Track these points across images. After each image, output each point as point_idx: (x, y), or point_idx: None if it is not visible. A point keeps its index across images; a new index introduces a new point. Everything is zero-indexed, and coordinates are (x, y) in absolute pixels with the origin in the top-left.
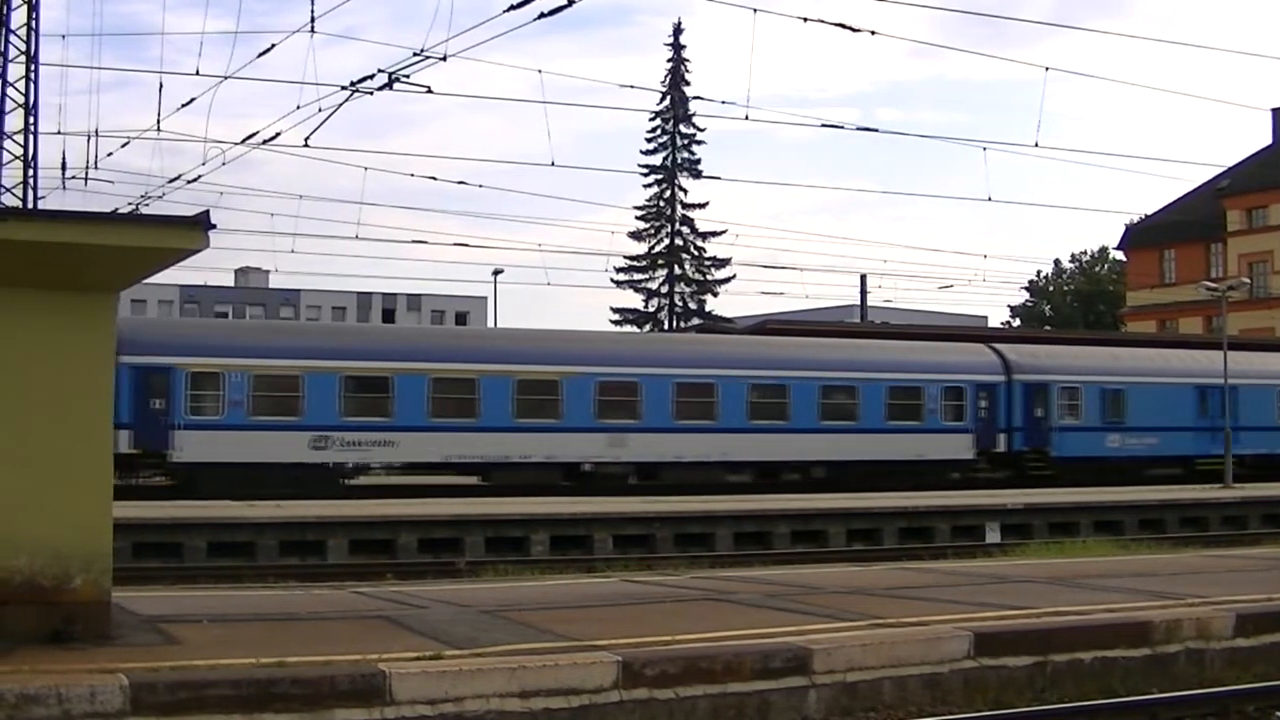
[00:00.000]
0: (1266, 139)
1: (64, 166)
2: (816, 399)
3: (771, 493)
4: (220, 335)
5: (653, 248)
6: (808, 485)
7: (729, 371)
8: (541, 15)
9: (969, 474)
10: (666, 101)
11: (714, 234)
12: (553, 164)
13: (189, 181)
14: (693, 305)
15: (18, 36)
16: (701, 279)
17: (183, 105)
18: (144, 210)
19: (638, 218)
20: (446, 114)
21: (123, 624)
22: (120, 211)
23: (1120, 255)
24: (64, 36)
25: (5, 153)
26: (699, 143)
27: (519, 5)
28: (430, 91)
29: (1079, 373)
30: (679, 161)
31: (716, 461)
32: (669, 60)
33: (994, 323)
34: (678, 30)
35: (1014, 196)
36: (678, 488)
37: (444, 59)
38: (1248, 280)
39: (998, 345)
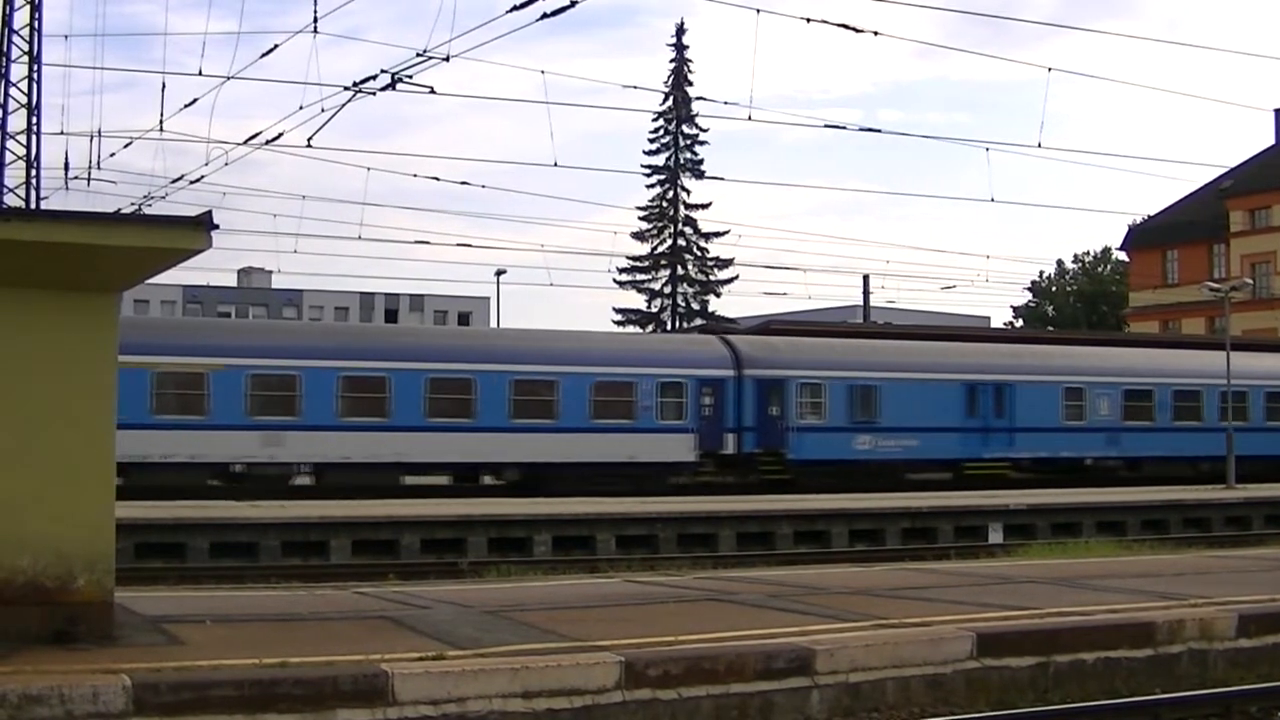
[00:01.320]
0: (1269, 139)
1: (67, 167)
2: (507, 395)
3: (469, 496)
4: None
5: (655, 248)
6: (507, 489)
7: (405, 364)
8: (544, 16)
9: (694, 478)
10: (669, 102)
11: (717, 234)
12: (555, 164)
13: (192, 182)
14: (695, 306)
15: (20, 37)
16: (704, 279)
17: (186, 106)
18: (147, 211)
19: (640, 218)
20: (449, 114)
21: (126, 624)
22: (123, 212)
23: (1123, 256)
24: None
25: (8, 153)
26: (702, 143)
27: (522, 6)
28: (433, 92)
29: (823, 367)
30: (682, 162)
31: (390, 463)
32: (672, 61)
33: (996, 323)
34: (680, 31)
35: (1017, 197)
36: (349, 490)
37: (447, 59)
38: (1250, 281)
39: (730, 338)
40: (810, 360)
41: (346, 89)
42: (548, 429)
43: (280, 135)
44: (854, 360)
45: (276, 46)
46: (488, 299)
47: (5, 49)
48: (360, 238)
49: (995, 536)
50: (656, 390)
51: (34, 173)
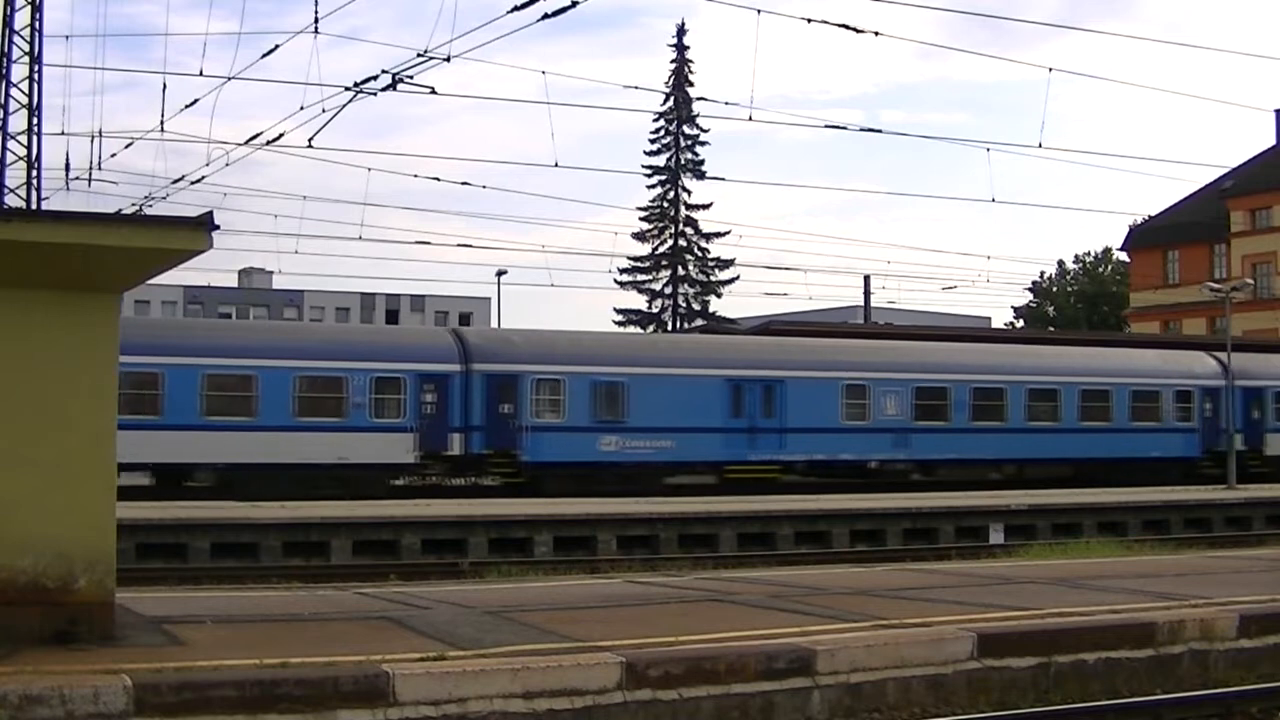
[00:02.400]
0: (1270, 140)
1: (68, 167)
2: (200, 391)
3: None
4: None
5: (656, 249)
6: (211, 492)
7: None
8: (545, 16)
9: (416, 479)
10: (670, 102)
11: (717, 235)
12: (556, 165)
13: (193, 182)
14: (696, 306)
15: (21, 38)
16: (705, 280)
17: (186, 106)
18: (148, 211)
19: (641, 219)
20: (450, 115)
21: (126, 625)
22: (124, 212)
23: (1124, 256)
24: (68, 38)
25: (9, 154)
26: (703, 144)
27: (523, 6)
28: (434, 92)
29: (563, 362)
30: (683, 162)
31: None
32: (673, 61)
33: (998, 323)
34: (681, 31)
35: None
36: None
37: (448, 60)
38: (1251, 281)
39: (461, 330)
40: (549, 355)
41: (347, 89)
42: (245, 427)
43: (281, 136)
44: (599, 355)
45: (277, 47)
46: (489, 299)
47: (6, 49)
48: (361, 238)
49: (996, 537)
50: (370, 386)
51: (35, 173)
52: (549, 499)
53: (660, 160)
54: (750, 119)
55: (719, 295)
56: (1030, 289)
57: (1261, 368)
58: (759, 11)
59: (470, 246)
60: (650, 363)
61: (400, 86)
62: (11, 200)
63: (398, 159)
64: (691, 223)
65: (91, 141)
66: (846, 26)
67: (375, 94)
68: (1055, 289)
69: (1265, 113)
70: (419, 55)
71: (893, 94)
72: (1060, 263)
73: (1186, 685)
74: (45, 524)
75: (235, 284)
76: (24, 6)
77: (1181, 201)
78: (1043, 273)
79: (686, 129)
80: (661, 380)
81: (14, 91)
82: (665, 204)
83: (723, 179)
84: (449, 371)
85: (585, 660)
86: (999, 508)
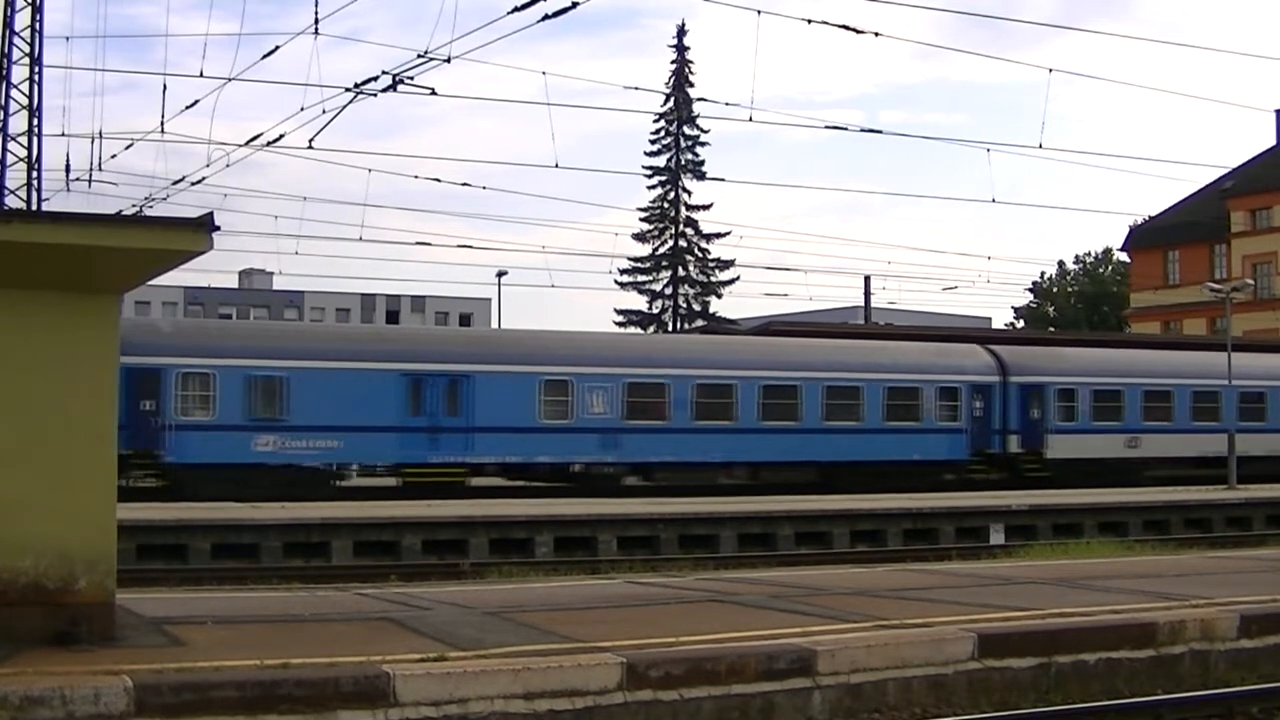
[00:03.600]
0: (1270, 140)
1: (68, 168)
2: None
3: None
4: None
5: (657, 249)
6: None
7: None
8: (546, 17)
9: None
10: (670, 103)
11: (718, 235)
12: (557, 166)
13: (193, 183)
14: (696, 307)
15: (22, 39)
16: (705, 280)
17: (187, 107)
18: (148, 212)
19: (642, 219)
20: (450, 116)
21: (127, 625)
22: (124, 213)
23: (1124, 256)
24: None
25: (9, 155)
26: (703, 144)
27: (523, 7)
28: (434, 93)
29: (215, 355)
30: (683, 163)
31: None
32: (673, 62)
33: (998, 324)
34: (681, 32)
35: (1018, 198)
36: None
37: (448, 61)
38: (1252, 281)
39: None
40: (199, 346)
41: (347, 90)
42: None
43: (281, 137)
44: (255, 347)
45: (278, 48)
46: (489, 300)
47: (6, 50)
48: (361, 239)
49: (997, 537)
50: None
51: (35, 174)
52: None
53: (660, 161)
54: (750, 119)
55: (719, 296)
56: (1030, 289)
57: (1043, 362)
58: (759, 12)
59: (470, 247)
60: (315, 355)
61: (400, 87)
62: (12, 201)
63: (398, 160)
64: (692, 223)
65: (92, 143)
66: (846, 27)
67: (375, 95)
68: (1055, 289)
69: (1265, 113)
70: (419, 56)
71: (893, 94)
72: (1060, 263)
73: (1187, 685)
74: (46, 525)
75: (235, 285)
76: (24, 8)
77: (1182, 202)
78: (1043, 273)
79: (687, 129)
80: (328, 375)
81: (14, 93)
82: (665, 205)
83: (723, 180)
84: None
85: (586, 661)
86: (999, 508)
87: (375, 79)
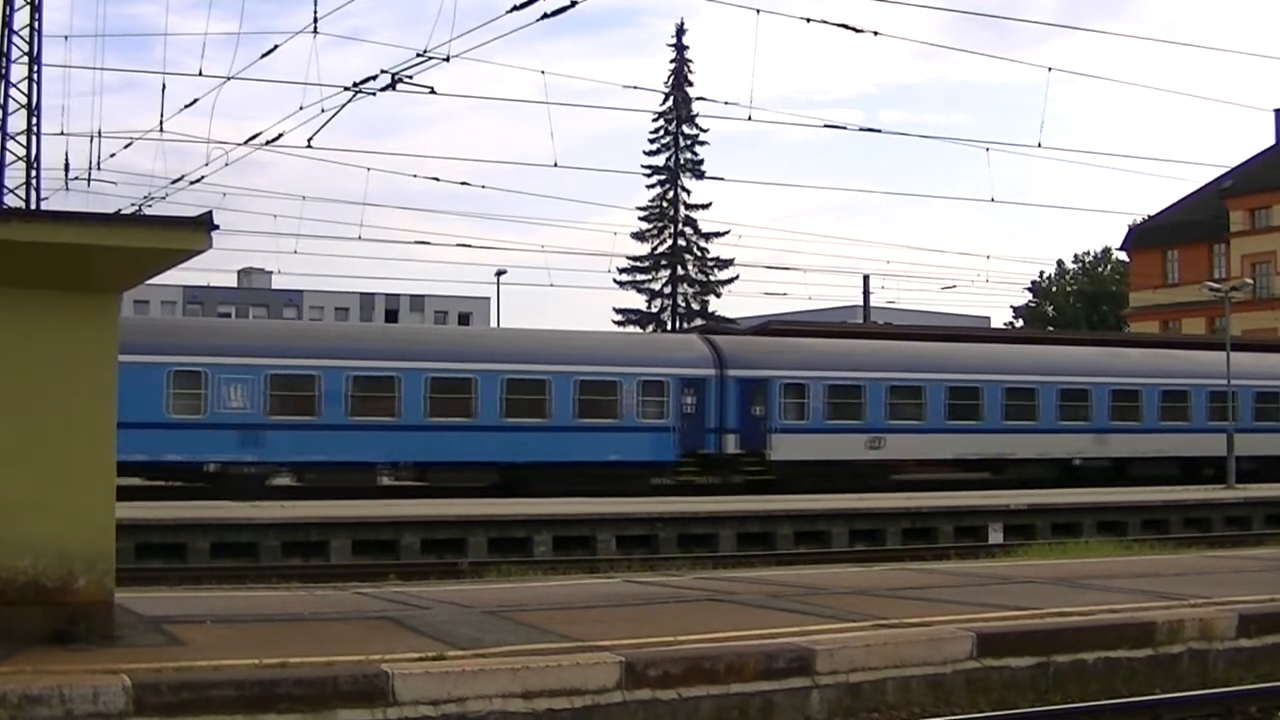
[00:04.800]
0: (1270, 139)
1: (67, 168)
2: None
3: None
4: None
5: (656, 248)
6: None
7: None
8: (545, 16)
9: None
10: (670, 102)
11: (717, 235)
12: (556, 165)
13: (192, 182)
14: (695, 306)
15: (20, 38)
16: (704, 280)
17: (186, 106)
18: (147, 211)
19: (641, 218)
20: (450, 115)
21: (126, 625)
22: (123, 212)
23: (1123, 256)
24: (67, 38)
25: (8, 154)
26: (702, 143)
27: (522, 6)
28: (433, 92)
29: None
30: (682, 162)
31: None
32: (672, 61)
33: (997, 323)
34: (681, 31)
35: (1017, 197)
36: None
37: (447, 60)
38: (1251, 281)
39: None
40: None
41: (347, 89)
42: None
43: (280, 136)
44: None
45: (277, 47)
46: (488, 299)
47: (5, 50)
48: (360, 238)
49: (995, 537)
50: None
51: (34, 173)
52: (545, 499)
53: (660, 160)
54: (750, 119)
55: (718, 295)
56: (1030, 289)
57: (767, 355)
58: (758, 11)
59: (470, 246)
60: None
61: (400, 86)
62: (11, 200)
63: (397, 159)
64: (691, 222)
65: (91, 142)
66: (846, 26)
67: (374, 94)
68: (1055, 289)
69: (1265, 112)
70: (418, 55)
71: (892, 94)
72: (1060, 262)
73: (1185, 685)
74: (45, 524)
75: (235, 284)
76: (23, 6)
77: (1181, 201)
78: (1042, 272)
79: (686, 129)
80: None
81: (13, 92)
82: (665, 204)
83: (722, 179)
84: None
85: (585, 660)
86: (998, 507)
87: (374, 78)
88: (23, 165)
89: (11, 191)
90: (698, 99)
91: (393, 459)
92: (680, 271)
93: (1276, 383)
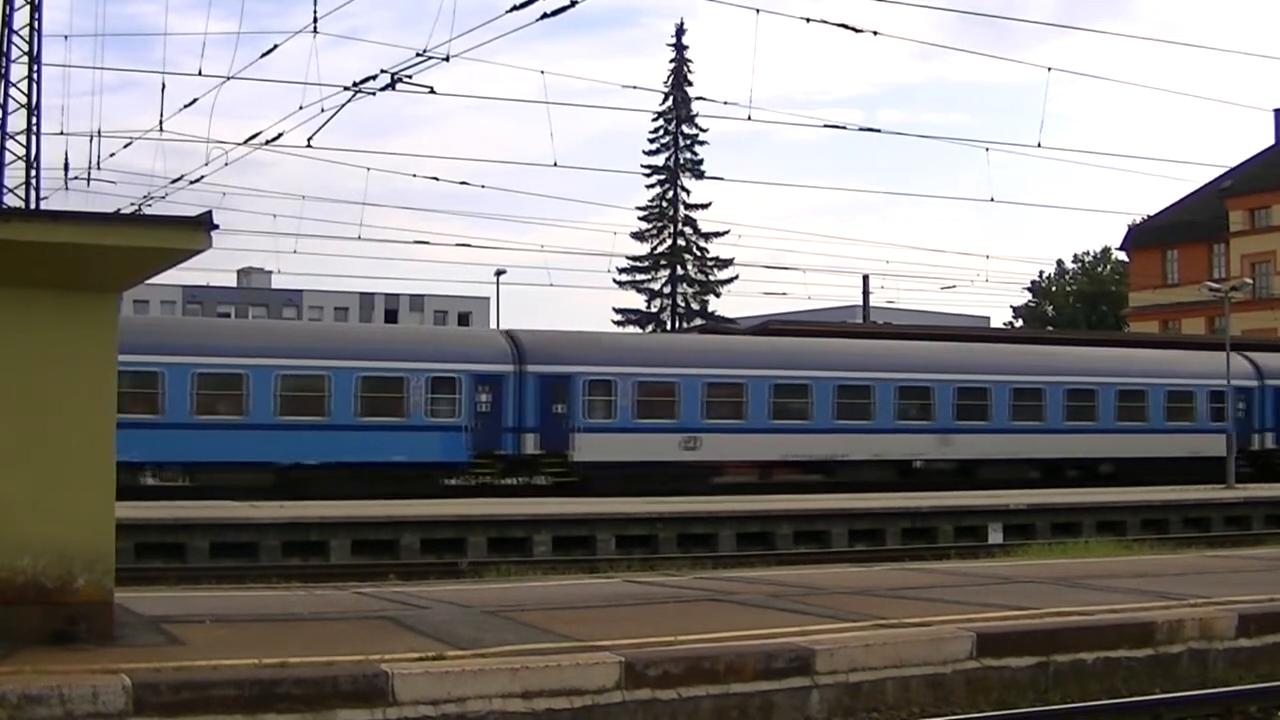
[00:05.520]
0: (1269, 139)
1: (66, 167)
2: None
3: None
4: None
5: (655, 248)
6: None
7: None
8: (544, 16)
9: None
10: (669, 102)
11: (716, 234)
12: (555, 165)
13: (192, 182)
14: (695, 306)
15: (20, 37)
16: (704, 279)
17: (185, 106)
18: (147, 211)
19: (640, 218)
20: (449, 115)
21: (126, 624)
22: (123, 212)
23: (1123, 256)
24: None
25: (8, 153)
26: (702, 143)
27: (522, 6)
28: (433, 92)
29: None
30: (681, 162)
31: None
32: (672, 61)
33: (996, 323)
34: (680, 31)
35: (1017, 197)
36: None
37: (447, 59)
38: (1250, 281)
39: None
40: None
41: (346, 89)
42: None
43: (280, 135)
44: None
45: (276, 47)
46: (487, 299)
47: (5, 49)
48: (360, 238)
49: (995, 536)
50: None
51: (34, 173)
52: (549, 498)
53: (659, 160)
54: (749, 119)
55: (718, 295)
56: (1029, 289)
57: (571, 350)
58: (758, 11)
59: (469, 246)
60: None
61: (399, 86)
62: (10, 200)
63: (397, 159)
64: (690, 222)
65: (90, 141)
66: (845, 26)
67: (374, 94)
68: (1054, 289)
69: (1264, 112)
70: (418, 55)
71: (892, 94)
72: (1059, 262)
73: (1185, 685)
74: (44, 524)
75: (234, 284)
76: (23, 6)
77: (1180, 201)
78: (1041, 272)
79: (685, 129)
80: None
81: (13, 91)
82: (664, 204)
83: (722, 179)
84: None
85: (584, 660)
86: (998, 507)
87: (374, 78)
88: (22, 165)
89: (11, 191)
90: (697, 99)
91: (157, 459)
92: (680, 271)
93: (1140, 380)
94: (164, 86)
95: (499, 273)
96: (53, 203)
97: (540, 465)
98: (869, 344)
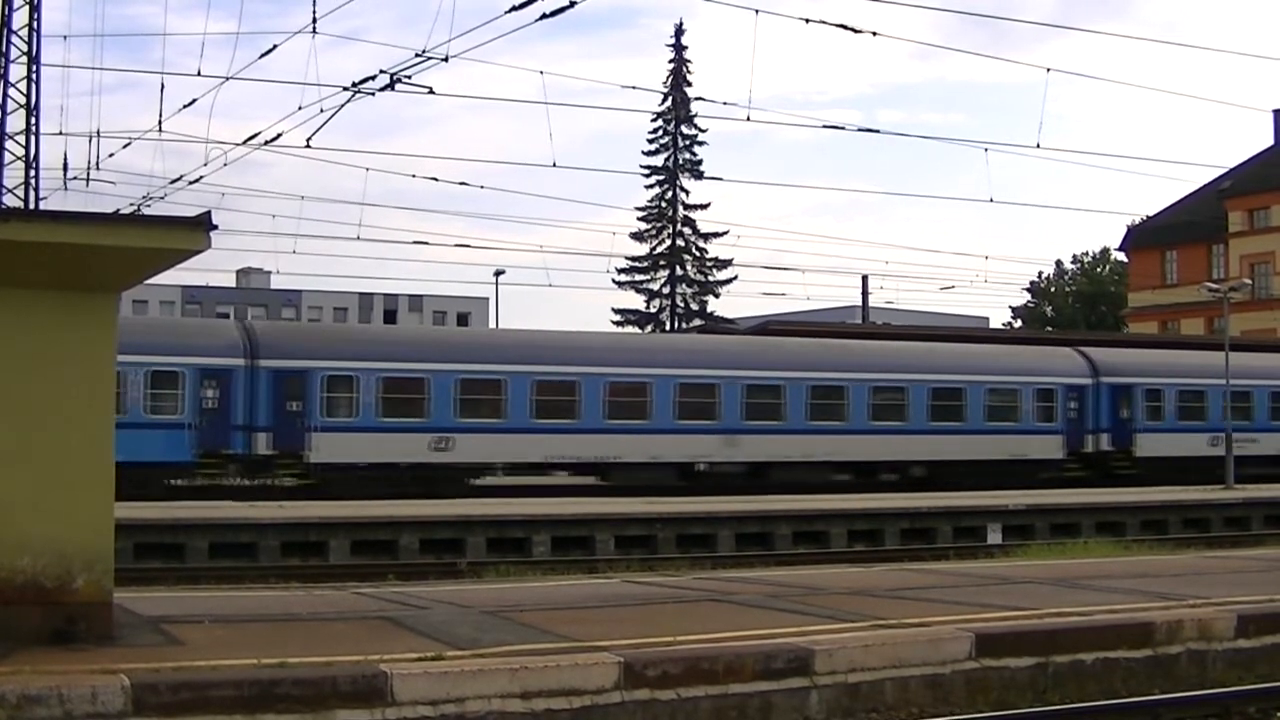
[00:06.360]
0: (1268, 140)
1: (66, 167)
2: None
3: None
4: None
5: (654, 249)
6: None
7: None
8: (544, 16)
9: None
10: (668, 103)
11: (715, 235)
12: (554, 165)
13: (191, 182)
14: (694, 306)
15: (19, 37)
16: (703, 280)
17: (185, 106)
18: (146, 211)
19: (639, 219)
20: (448, 115)
21: (125, 624)
22: (122, 212)
23: (1122, 256)
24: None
25: (7, 153)
26: (701, 144)
27: (521, 6)
28: (432, 92)
29: None
30: (680, 162)
31: None
32: (671, 61)
33: (995, 324)
34: (679, 31)
35: (1016, 197)
36: None
37: (446, 60)
38: (1249, 281)
39: None
40: None
41: (345, 89)
42: None
43: (279, 136)
44: None
45: (276, 47)
46: (486, 299)
47: (4, 49)
48: (359, 238)
49: (994, 537)
50: None
51: (33, 173)
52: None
53: (658, 160)
54: (748, 119)
55: (717, 295)
56: (1028, 289)
57: (309, 345)
58: (757, 12)
59: (468, 246)
60: None
61: (398, 87)
62: (9, 200)
63: (396, 159)
64: (689, 223)
65: (89, 141)
66: (844, 27)
67: (373, 94)
68: (1053, 289)
69: (1263, 113)
70: (417, 55)
71: (890, 94)
72: (1058, 263)
73: (1184, 685)
74: (43, 524)
75: (233, 284)
76: (22, 6)
77: (1180, 201)
78: (1041, 273)
79: (684, 129)
80: None
81: (12, 91)
82: (663, 204)
83: (721, 179)
84: None
85: (583, 660)
86: (997, 508)
87: (373, 78)
88: (21, 165)
89: (10, 191)
90: (696, 99)
91: None
92: (679, 272)
93: (956, 378)
94: (163, 87)
95: (498, 273)
96: (51, 203)
97: (275, 466)
98: (648, 338)
